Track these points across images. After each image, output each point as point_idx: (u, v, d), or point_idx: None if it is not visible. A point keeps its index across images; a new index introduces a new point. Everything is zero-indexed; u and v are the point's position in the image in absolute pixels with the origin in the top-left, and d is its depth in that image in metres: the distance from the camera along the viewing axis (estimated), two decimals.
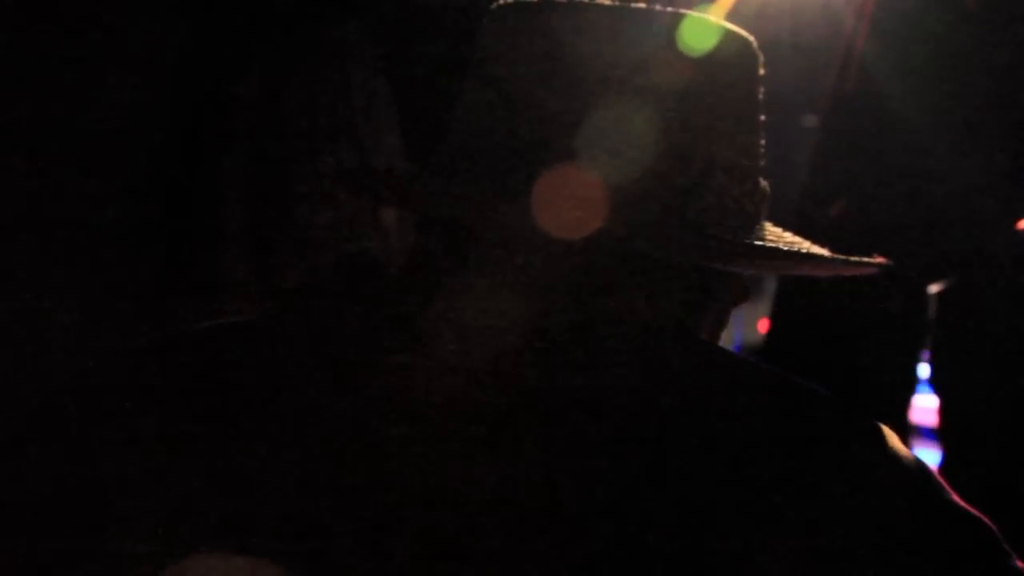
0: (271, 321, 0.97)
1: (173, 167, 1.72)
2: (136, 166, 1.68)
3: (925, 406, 2.73)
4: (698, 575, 0.75)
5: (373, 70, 1.86)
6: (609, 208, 0.86)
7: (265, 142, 1.77)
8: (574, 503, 0.77)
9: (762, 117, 0.96)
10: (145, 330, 1.57)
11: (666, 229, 0.89)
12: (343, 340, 0.88)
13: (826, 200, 2.25)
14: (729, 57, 0.92)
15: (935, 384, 2.32)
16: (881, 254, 0.97)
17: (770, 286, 2.76)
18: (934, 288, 2.30)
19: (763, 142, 0.96)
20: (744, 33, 0.94)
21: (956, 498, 0.81)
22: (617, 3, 0.91)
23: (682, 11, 0.91)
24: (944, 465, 2.24)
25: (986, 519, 0.81)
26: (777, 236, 0.96)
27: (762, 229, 0.95)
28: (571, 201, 0.86)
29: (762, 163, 0.96)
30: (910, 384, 2.38)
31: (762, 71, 0.95)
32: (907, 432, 2.53)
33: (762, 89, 0.95)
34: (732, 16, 1.41)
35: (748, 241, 0.91)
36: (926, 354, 2.35)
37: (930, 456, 2.42)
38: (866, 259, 0.95)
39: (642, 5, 0.91)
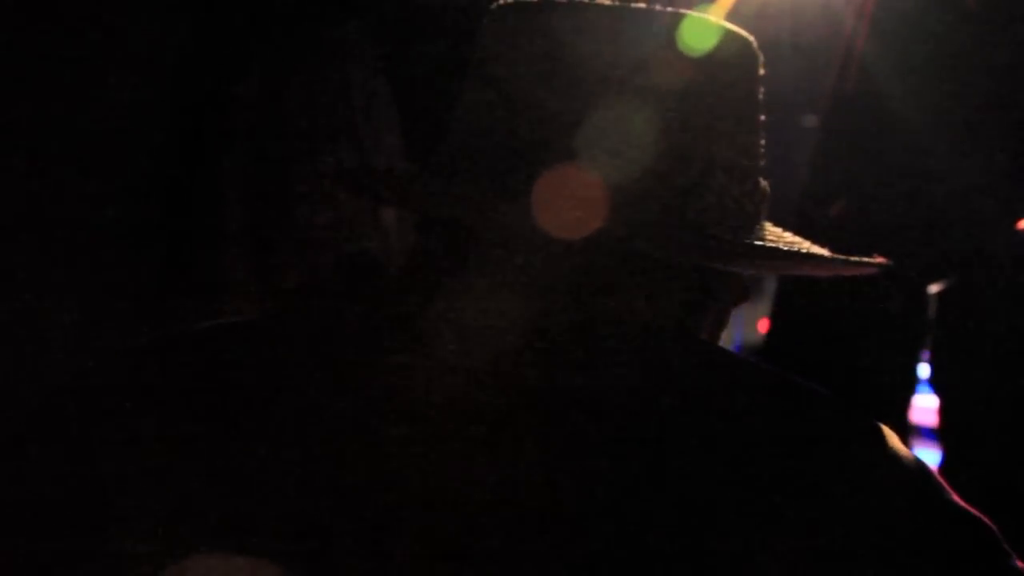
0: (271, 321, 0.97)
1: (173, 167, 1.72)
2: (136, 166, 1.68)
3: (925, 406, 2.72)
4: (698, 575, 0.75)
5: (373, 70, 1.86)
6: (609, 208, 0.86)
7: (265, 142, 1.77)
8: (574, 503, 0.77)
9: (762, 117, 0.95)
10: (145, 330, 1.57)
11: (666, 229, 0.89)
12: (343, 340, 0.88)
13: (826, 200, 2.25)
14: (729, 57, 0.92)
15: (935, 384, 2.31)
16: (881, 254, 0.97)
17: (770, 286, 2.76)
18: (934, 288, 2.30)
19: (763, 142, 0.96)
20: (744, 33, 0.94)
21: (956, 498, 0.81)
22: (617, 3, 0.91)
23: (682, 11, 0.91)
24: (944, 465, 2.23)
25: (986, 519, 0.80)
26: (777, 236, 0.96)
27: (762, 229, 0.95)
28: (571, 201, 0.86)
29: (762, 163, 0.96)
30: (910, 384, 2.38)
31: (762, 71, 0.95)
32: (907, 432, 2.53)
33: (762, 89, 0.95)
34: (732, 16, 1.41)
35: (748, 241, 0.91)
36: (926, 354, 2.35)
37: (930, 456, 2.42)
38: (866, 259, 0.95)
39: (642, 5, 0.91)
